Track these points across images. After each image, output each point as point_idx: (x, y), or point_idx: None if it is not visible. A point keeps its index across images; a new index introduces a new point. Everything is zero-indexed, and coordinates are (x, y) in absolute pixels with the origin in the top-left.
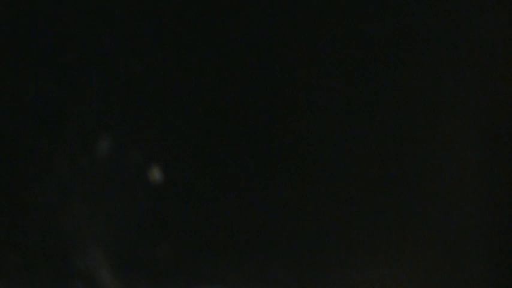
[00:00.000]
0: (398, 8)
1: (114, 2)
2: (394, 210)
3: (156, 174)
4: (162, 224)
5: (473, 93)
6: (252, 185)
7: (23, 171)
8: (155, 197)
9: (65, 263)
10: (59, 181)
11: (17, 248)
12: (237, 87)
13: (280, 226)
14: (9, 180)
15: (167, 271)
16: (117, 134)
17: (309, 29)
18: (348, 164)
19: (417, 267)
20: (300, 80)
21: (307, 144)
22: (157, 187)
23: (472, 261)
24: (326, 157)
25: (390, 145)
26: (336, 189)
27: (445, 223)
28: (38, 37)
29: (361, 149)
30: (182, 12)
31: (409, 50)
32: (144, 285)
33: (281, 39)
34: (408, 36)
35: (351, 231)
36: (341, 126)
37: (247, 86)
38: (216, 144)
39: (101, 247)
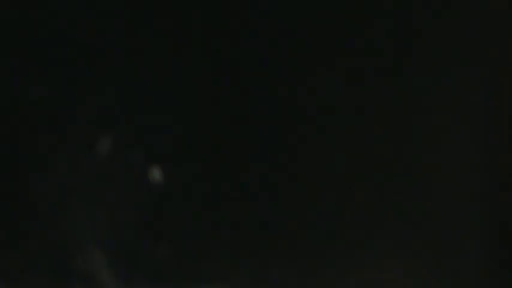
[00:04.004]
0: (399, 9)
1: (115, 2)
2: (394, 211)
3: (156, 174)
4: (162, 224)
5: (473, 93)
6: (252, 185)
7: (23, 171)
8: (155, 197)
9: (65, 263)
10: (59, 181)
11: (17, 248)
12: (237, 88)
13: (281, 226)
14: (9, 180)
15: (167, 271)
16: (117, 134)
17: (309, 29)
18: (348, 165)
19: (416, 267)
20: (300, 82)
21: (306, 145)
22: (157, 187)
23: (471, 261)
24: (326, 158)
25: (390, 146)
26: (336, 190)
27: (445, 223)
28: (38, 37)
29: (361, 150)
30: (183, 12)
31: (409, 51)
32: (144, 285)
33: (281, 40)
34: (408, 37)
35: (351, 231)
36: (341, 127)
37: (248, 86)
38: (216, 145)
39: (101, 247)
